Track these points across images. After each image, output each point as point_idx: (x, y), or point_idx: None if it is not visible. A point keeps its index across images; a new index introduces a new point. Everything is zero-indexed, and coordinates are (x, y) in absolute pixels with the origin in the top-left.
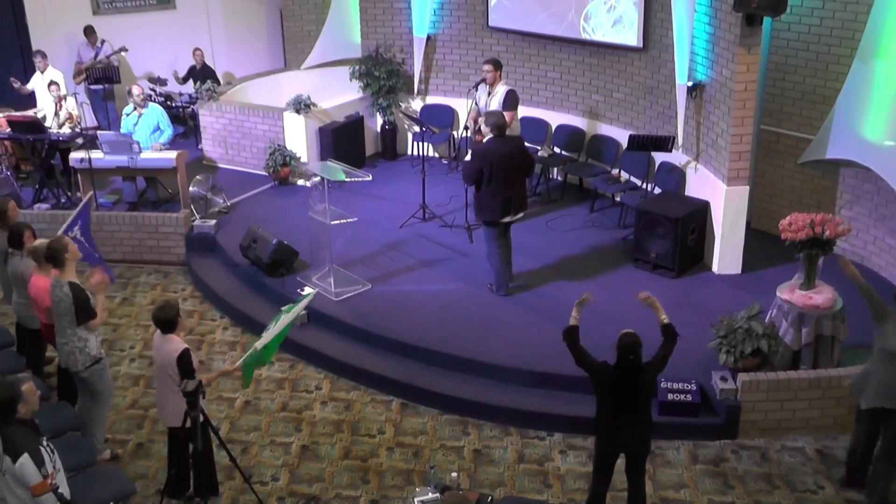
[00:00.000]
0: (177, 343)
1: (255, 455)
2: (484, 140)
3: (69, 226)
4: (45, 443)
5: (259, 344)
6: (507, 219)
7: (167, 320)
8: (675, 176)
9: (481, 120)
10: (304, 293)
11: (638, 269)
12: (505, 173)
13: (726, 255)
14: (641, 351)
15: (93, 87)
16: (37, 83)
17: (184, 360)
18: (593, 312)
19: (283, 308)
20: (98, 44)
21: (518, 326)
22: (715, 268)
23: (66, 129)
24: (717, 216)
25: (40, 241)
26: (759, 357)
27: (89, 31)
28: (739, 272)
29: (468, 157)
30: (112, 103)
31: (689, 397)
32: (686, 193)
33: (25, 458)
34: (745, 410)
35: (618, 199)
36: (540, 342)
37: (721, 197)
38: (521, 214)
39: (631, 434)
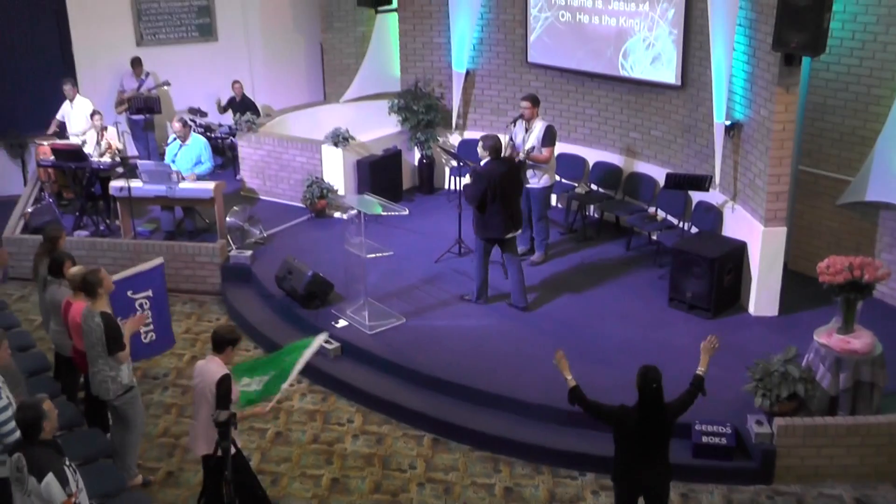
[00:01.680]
0: (219, 367)
1: (285, 487)
2: (482, 162)
3: (133, 285)
4: (67, 462)
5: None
6: (510, 235)
7: (220, 339)
8: (712, 215)
9: (522, 154)
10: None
11: (673, 308)
12: (505, 192)
13: (763, 296)
14: (662, 382)
15: (134, 116)
16: (66, 112)
17: (223, 385)
18: (628, 352)
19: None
20: (143, 76)
21: (551, 364)
22: (751, 309)
23: (106, 158)
24: (753, 257)
25: (78, 269)
26: (795, 401)
27: (136, 63)
28: (776, 314)
29: (466, 181)
30: (152, 133)
31: (724, 440)
32: (723, 233)
33: (50, 478)
34: (780, 455)
35: (654, 237)
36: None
37: (758, 238)
38: (519, 230)
39: (654, 475)
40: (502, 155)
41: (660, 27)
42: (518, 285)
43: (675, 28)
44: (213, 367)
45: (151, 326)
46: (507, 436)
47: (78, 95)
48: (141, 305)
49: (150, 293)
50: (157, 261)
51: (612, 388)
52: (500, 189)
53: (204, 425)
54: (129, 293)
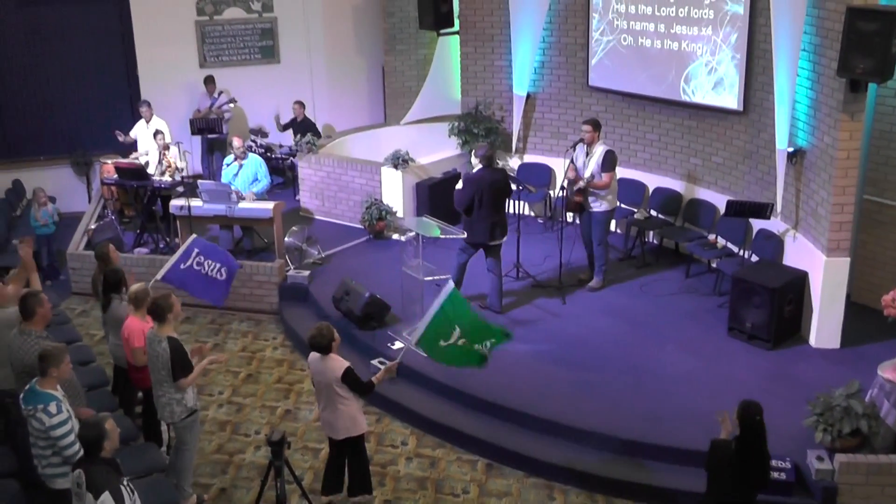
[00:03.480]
0: (338, 362)
1: None
2: (475, 170)
3: (179, 260)
4: (125, 482)
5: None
6: (495, 242)
7: (324, 346)
8: (773, 244)
9: (581, 182)
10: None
11: (733, 338)
12: (493, 200)
13: (824, 328)
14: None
15: (196, 136)
16: (140, 131)
17: (349, 376)
18: (686, 382)
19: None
20: (215, 94)
21: (608, 392)
22: (812, 341)
23: (166, 177)
24: (815, 287)
25: (139, 286)
26: (858, 438)
27: (209, 81)
28: (838, 347)
29: (459, 186)
30: (219, 154)
31: (783, 475)
32: (784, 262)
33: (106, 496)
34: (842, 493)
35: (714, 265)
36: (629, 409)
37: (820, 268)
38: (504, 238)
39: None
40: (563, 179)
41: (722, 51)
42: (496, 291)
43: (738, 52)
44: (331, 364)
45: (217, 266)
46: (562, 463)
47: (154, 116)
48: (199, 264)
49: (196, 251)
50: (189, 239)
51: (670, 418)
52: (488, 196)
53: (340, 416)
54: (182, 266)
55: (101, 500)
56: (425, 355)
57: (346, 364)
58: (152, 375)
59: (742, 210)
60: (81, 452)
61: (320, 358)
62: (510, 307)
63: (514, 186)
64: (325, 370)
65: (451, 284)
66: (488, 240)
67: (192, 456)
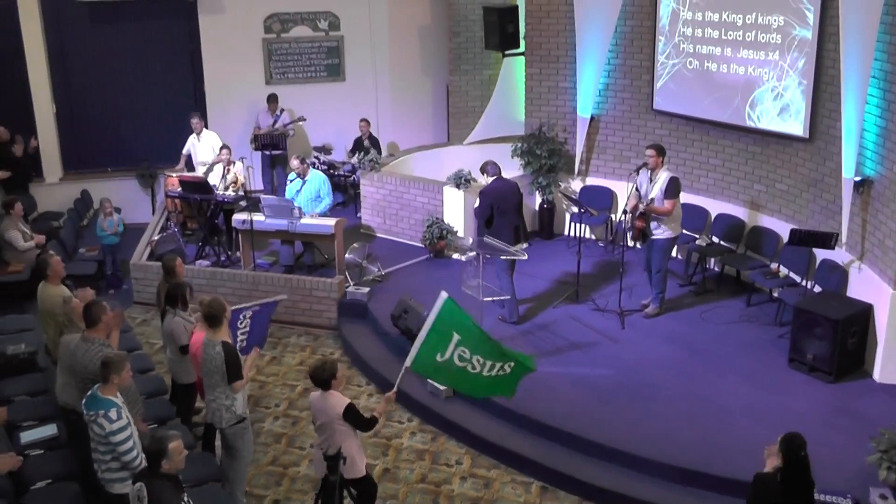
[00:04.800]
0: (339, 398)
1: None
2: (489, 182)
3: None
4: (185, 498)
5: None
6: (520, 246)
7: (323, 380)
8: (837, 275)
9: (641, 206)
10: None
11: (793, 370)
12: (510, 206)
13: (890, 362)
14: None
15: (259, 152)
16: (192, 144)
17: (350, 413)
18: (746, 413)
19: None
20: (277, 112)
21: (666, 420)
22: (876, 375)
23: (230, 192)
24: (881, 321)
25: (208, 299)
26: None
27: (272, 99)
28: None
29: (476, 203)
30: (280, 168)
31: None
32: (848, 294)
33: None
34: None
35: (776, 294)
36: (687, 438)
37: (886, 301)
38: (528, 243)
39: None
40: (628, 204)
41: (789, 77)
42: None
43: (805, 78)
44: (332, 402)
45: (247, 335)
46: (616, 489)
47: (205, 129)
48: (244, 315)
49: (256, 308)
50: (281, 297)
51: (727, 448)
52: (505, 203)
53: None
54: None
55: None
56: (427, 379)
57: (347, 401)
58: (205, 380)
59: (806, 239)
60: (141, 459)
61: (321, 395)
62: (569, 331)
63: (574, 209)
64: (326, 408)
65: (444, 295)
66: (513, 243)
67: (245, 464)
